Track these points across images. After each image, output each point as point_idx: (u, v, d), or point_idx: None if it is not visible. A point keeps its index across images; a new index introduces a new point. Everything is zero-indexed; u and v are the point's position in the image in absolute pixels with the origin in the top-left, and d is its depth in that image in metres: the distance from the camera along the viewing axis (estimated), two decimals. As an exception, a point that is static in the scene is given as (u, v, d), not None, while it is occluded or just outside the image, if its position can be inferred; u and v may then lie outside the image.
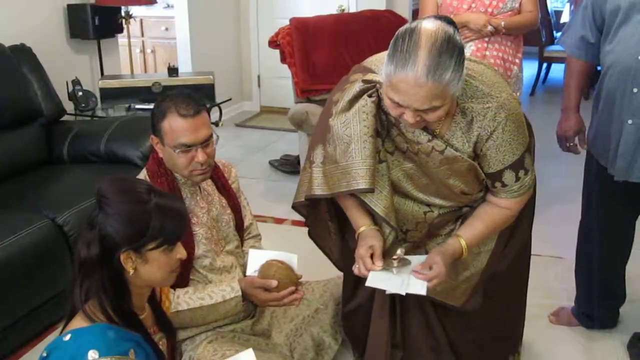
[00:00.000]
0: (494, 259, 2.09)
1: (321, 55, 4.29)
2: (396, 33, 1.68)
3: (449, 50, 1.61)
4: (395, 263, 1.89)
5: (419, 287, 1.84)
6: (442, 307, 2.15)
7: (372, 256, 1.90)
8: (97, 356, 1.42)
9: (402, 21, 4.73)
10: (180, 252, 1.60)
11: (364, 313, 2.21)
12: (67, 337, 1.46)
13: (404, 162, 1.95)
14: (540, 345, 2.68)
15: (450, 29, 1.65)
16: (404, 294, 1.84)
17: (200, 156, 2.04)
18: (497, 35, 3.24)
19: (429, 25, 1.64)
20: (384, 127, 1.91)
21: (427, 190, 1.99)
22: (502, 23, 3.19)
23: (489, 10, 3.23)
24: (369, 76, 1.89)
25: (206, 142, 2.06)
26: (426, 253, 2.03)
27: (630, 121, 2.30)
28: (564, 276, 3.12)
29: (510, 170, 1.87)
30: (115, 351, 1.44)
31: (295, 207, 2.17)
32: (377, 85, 1.85)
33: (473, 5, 3.23)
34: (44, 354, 1.48)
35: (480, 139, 1.84)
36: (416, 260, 1.93)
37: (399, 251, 1.92)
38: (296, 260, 2.18)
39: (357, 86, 1.91)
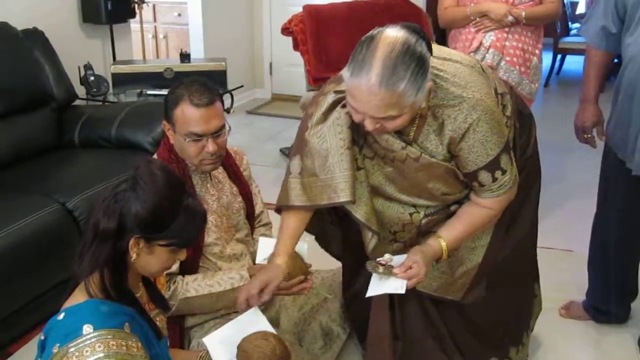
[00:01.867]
0: (490, 252, 2.06)
1: (334, 43, 4.27)
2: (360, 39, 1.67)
3: (406, 61, 1.60)
4: (381, 269, 1.88)
5: (397, 286, 1.85)
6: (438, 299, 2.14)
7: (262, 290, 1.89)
8: (91, 330, 1.41)
9: (416, 9, 4.69)
10: (183, 254, 1.60)
11: (362, 299, 2.20)
12: (61, 316, 1.46)
13: (384, 166, 1.95)
14: (551, 338, 2.67)
15: (412, 39, 1.63)
16: (382, 293, 1.87)
17: (210, 146, 2.03)
18: (518, 25, 3.21)
19: (389, 34, 1.63)
20: (361, 134, 1.91)
21: (410, 192, 1.97)
22: (523, 13, 3.15)
23: (509, 0, 3.20)
24: (341, 86, 1.86)
25: (217, 133, 2.05)
26: None
27: None
28: (574, 269, 3.10)
29: (485, 171, 1.84)
30: (109, 324, 1.44)
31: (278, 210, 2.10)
32: None
33: None
34: (42, 337, 1.49)
35: (453, 141, 1.81)
36: (400, 261, 1.92)
37: (386, 256, 1.91)
38: (306, 249, 2.17)
39: (330, 98, 1.91)
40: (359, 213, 1.95)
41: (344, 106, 1.86)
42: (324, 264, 2.43)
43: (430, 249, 1.92)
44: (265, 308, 2.30)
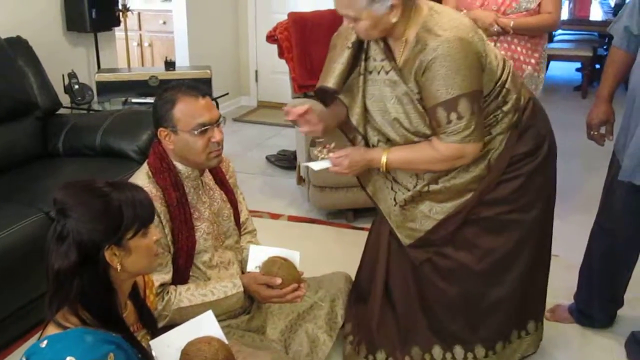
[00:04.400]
0: (440, 229, 2.21)
1: (319, 50, 4.26)
2: None
3: None
4: (325, 152, 2.21)
5: (323, 164, 2.20)
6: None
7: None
8: None
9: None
10: (155, 233, 1.58)
11: (366, 301, 2.41)
12: (44, 344, 1.42)
13: (374, 83, 2.15)
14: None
15: None
16: (315, 169, 2.23)
17: (217, 135, 2.08)
18: (506, 35, 3.18)
19: None
20: (363, 47, 2.16)
21: (382, 115, 2.15)
22: (511, 23, 3.11)
23: (502, 9, 3.16)
24: None
25: (218, 122, 2.10)
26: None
27: None
28: (560, 274, 3.11)
29: (442, 109, 1.98)
30: (92, 356, 1.41)
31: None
32: None
33: (486, 2, 3.18)
34: (23, 359, 1.45)
35: (420, 68, 1.98)
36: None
37: (332, 144, 2.22)
38: (299, 257, 2.18)
39: None
40: (353, 115, 2.20)
41: None
42: (309, 271, 2.43)
43: (370, 153, 2.19)
44: (252, 316, 2.30)
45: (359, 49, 2.16)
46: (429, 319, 2.33)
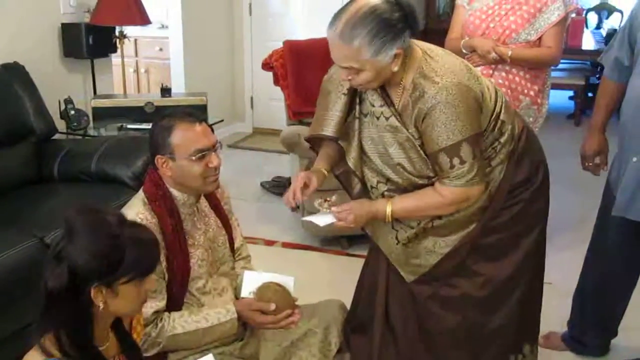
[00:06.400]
0: (446, 263, 2.19)
1: (314, 78, 4.28)
2: None
3: (366, 22, 1.85)
4: (325, 205, 2.16)
5: (327, 220, 2.16)
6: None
7: (306, 186, 2.18)
8: None
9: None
10: (149, 282, 1.55)
11: (364, 331, 2.38)
12: None
13: (370, 126, 2.13)
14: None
15: (385, 7, 1.86)
16: (320, 224, 2.17)
17: (214, 160, 2.09)
18: (504, 64, 3.18)
19: None
20: (359, 91, 2.13)
21: (382, 159, 2.13)
22: (509, 52, 3.10)
23: (501, 38, 3.16)
24: None
25: (216, 147, 2.12)
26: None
27: (635, 159, 2.26)
28: (554, 301, 3.10)
29: (444, 155, 1.97)
30: None
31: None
32: None
33: (487, 31, 3.19)
34: None
35: (419, 115, 1.97)
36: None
37: (334, 197, 2.19)
38: (293, 283, 2.18)
39: None
40: (350, 159, 2.18)
41: None
42: (303, 298, 2.43)
43: (374, 206, 2.14)
44: (246, 343, 2.28)
45: (354, 94, 2.14)
46: (430, 349, 2.31)
